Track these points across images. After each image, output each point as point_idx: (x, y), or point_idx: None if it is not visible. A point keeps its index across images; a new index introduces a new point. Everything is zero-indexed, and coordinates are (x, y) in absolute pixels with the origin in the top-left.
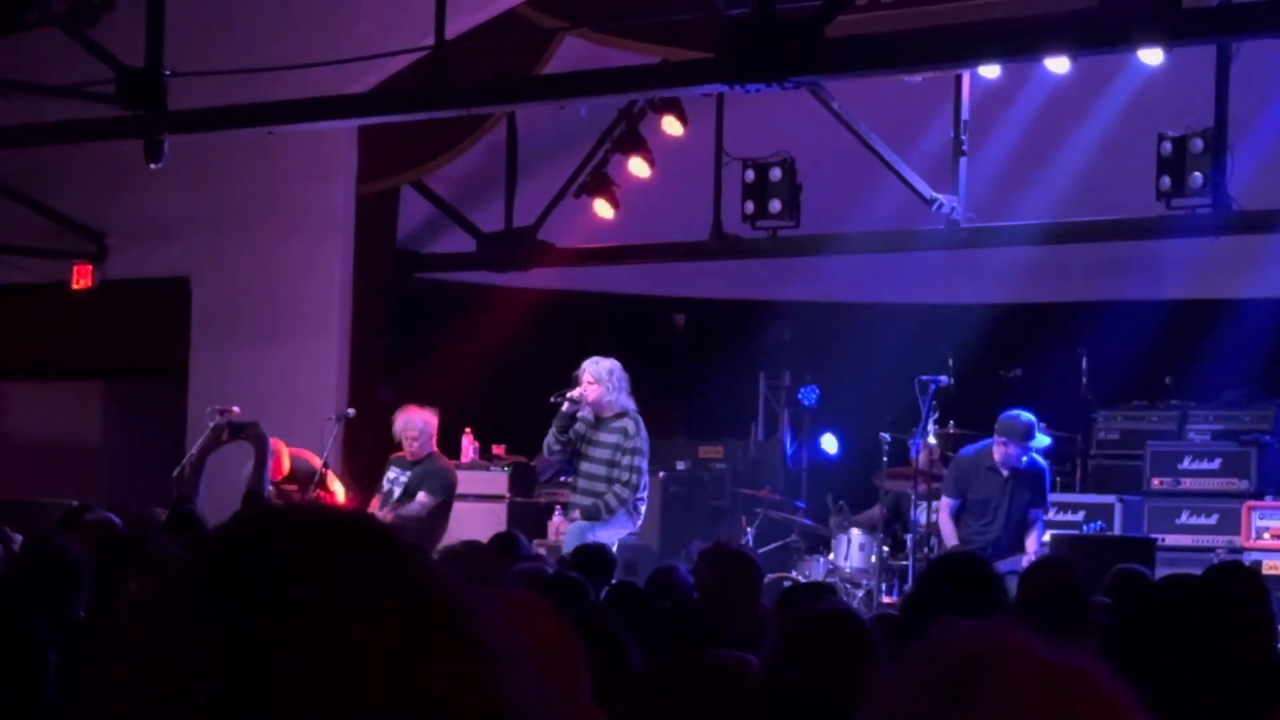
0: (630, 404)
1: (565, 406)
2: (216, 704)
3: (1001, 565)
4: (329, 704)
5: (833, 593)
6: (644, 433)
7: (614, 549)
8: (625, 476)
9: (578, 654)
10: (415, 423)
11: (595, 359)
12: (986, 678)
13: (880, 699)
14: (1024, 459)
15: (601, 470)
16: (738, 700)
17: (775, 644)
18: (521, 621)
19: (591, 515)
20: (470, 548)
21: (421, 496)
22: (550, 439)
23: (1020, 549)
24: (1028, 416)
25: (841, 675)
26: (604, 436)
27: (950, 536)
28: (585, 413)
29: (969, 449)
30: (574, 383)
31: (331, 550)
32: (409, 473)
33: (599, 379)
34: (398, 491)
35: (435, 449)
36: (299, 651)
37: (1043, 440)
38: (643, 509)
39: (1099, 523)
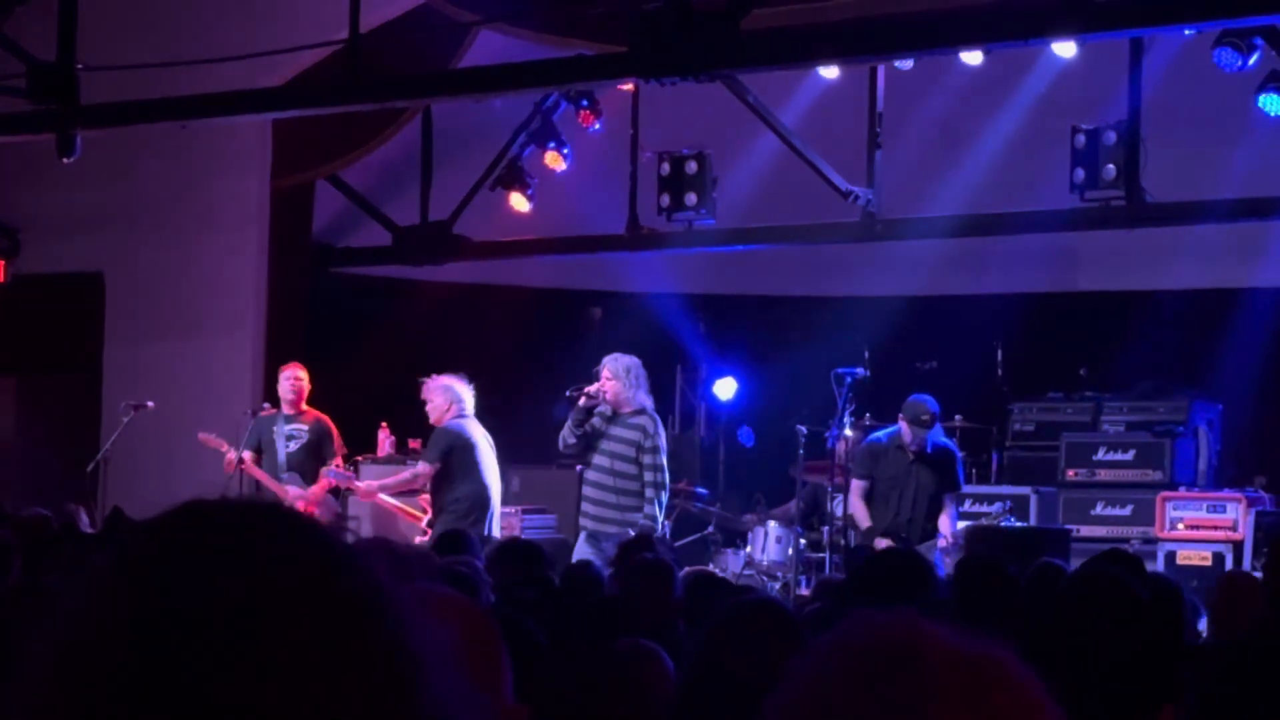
0: (649, 401)
1: (582, 401)
2: (127, 706)
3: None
4: (244, 706)
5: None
6: (662, 430)
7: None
8: (658, 478)
9: (500, 652)
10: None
11: (615, 355)
12: (902, 667)
13: (791, 691)
14: (929, 442)
15: (616, 464)
16: (646, 689)
17: (703, 635)
18: (444, 619)
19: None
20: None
21: (421, 465)
22: (566, 432)
23: (932, 534)
24: (928, 404)
25: (768, 665)
26: (621, 432)
27: (863, 518)
28: (603, 407)
29: (879, 432)
30: (593, 378)
31: (254, 546)
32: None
33: (617, 375)
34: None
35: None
36: (214, 651)
37: (938, 436)
38: (666, 496)
39: (1005, 503)
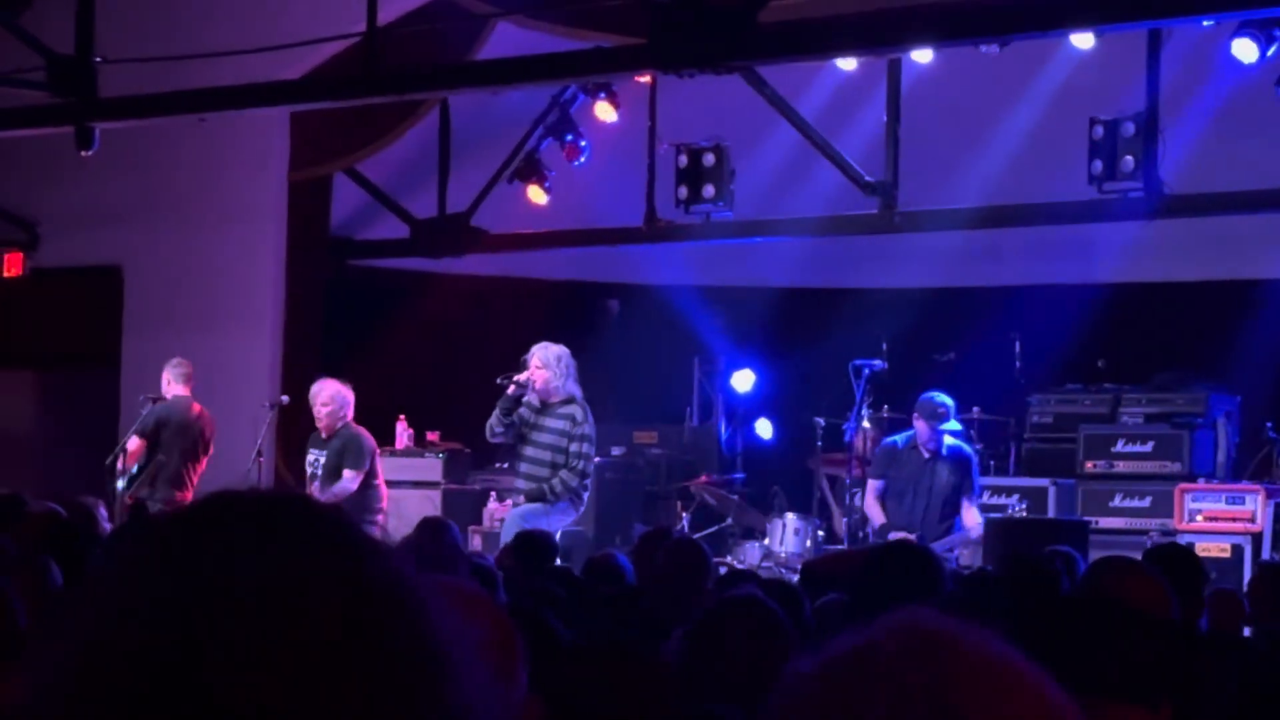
0: (577, 390)
1: (510, 389)
2: (149, 693)
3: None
4: (264, 699)
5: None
6: (591, 419)
7: (556, 537)
8: (576, 464)
9: (515, 645)
10: (324, 392)
11: (545, 344)
12: (922, 664)
13: (803, 688)
14: (943, 441)
15: (546, 455)
16: (653, 687)
17: (686, 632)
18: (465, 616)
19: (536, 498)
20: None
21: (347, 473)
22: (494, 420)
23: (946, 534)
24: (941, 398)
25: (749, 659)
26: (550, 422)
27: (877, 516)
28: (531, 397)
29: (895, 436)
30: (521, 366)
31: (278, 536)
32: (325, 450)
33: (547, 364)
34: (320, 473)
35: (350, 419)
36: (236, 639)
37: (953, 425)
38: (585, 497)
39: (1019, 500)
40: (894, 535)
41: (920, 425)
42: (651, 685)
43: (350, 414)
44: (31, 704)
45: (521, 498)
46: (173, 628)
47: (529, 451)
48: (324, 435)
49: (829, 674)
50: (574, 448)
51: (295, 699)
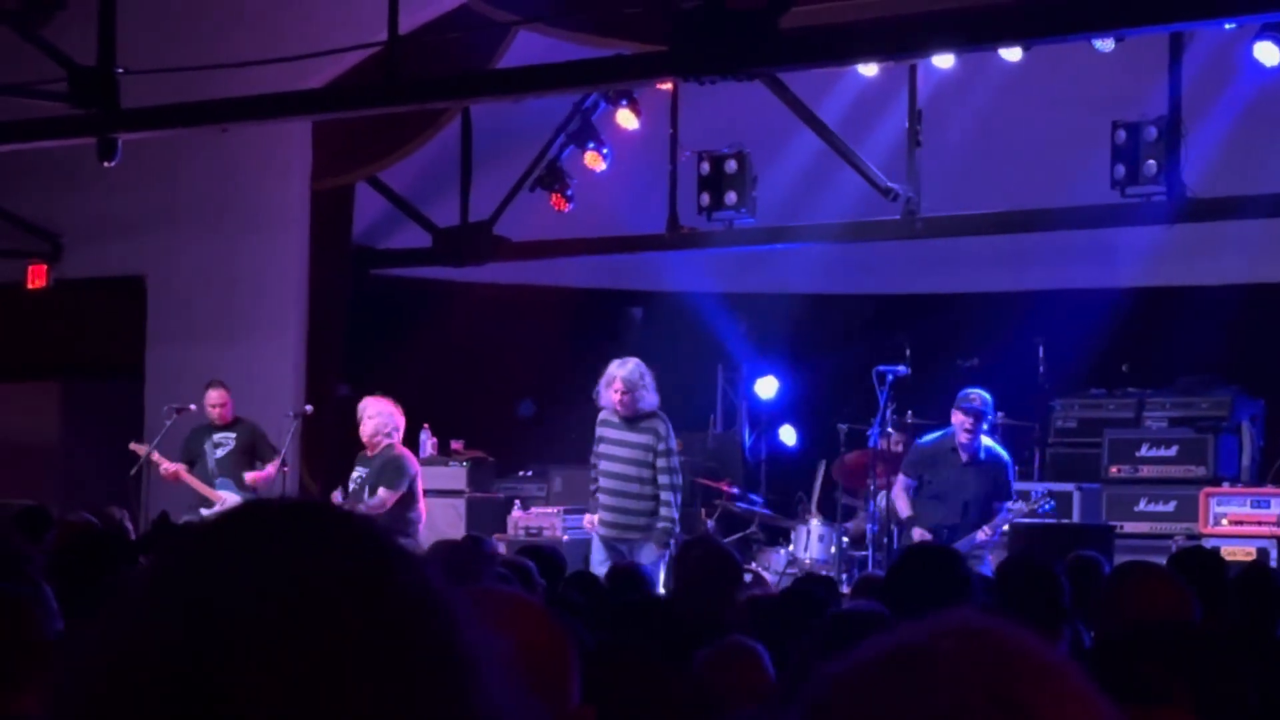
0: (656, 400)
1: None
2: (176, 700)
3: (958, 546)
4: (290, 706)
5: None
6: (672, 430)
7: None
8: (673, 480)
9: (566, 655)
10: (370, 407)
11: (620, 361)
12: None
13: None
14: (981, 444)
15: (632, 471)
16: (675, 692)
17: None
18: (506, 622)
19: (664, 542)
20: (449, 547)
21: (382, 491)
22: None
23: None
24: (979, 392)
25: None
26: (635, 437)
27: (904, 508)
28: (607, 413)
29: (928, 437)
30: (596, 396)
31: (306, 545)
32: (367, 468)
33: (631, 385)
34: (360, 490)
35: (395, 441)
36: (262, 647)
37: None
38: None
39: (1050, 503)
40: (918, 533)
41: (959, 418)
42: (665, 691)
43: (398, 435)
44: (56, 715)
45: (599, 515)
46: (199, 635)
47: (611, 467)
48: (368, 452)
49: (878, 675)
50: (661, 463)
51: (321, 705)
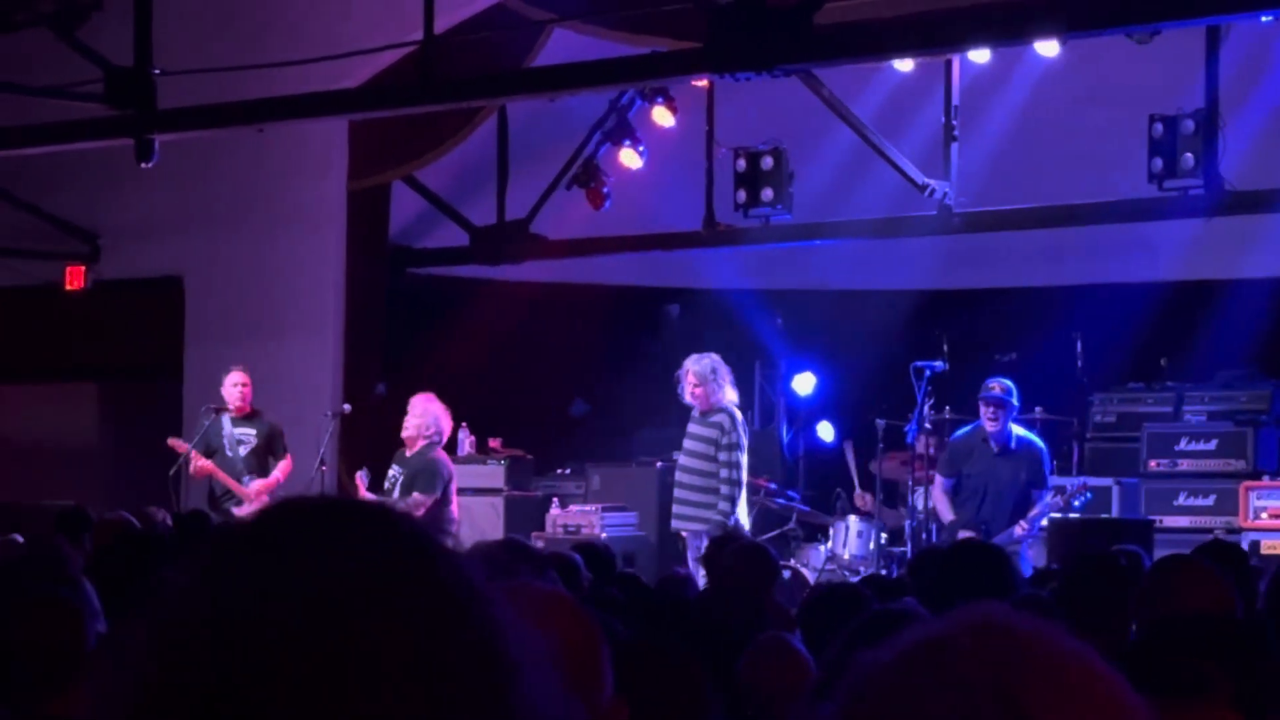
0: (734, 394)
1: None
2: (212, 697)
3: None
4: (334, 707)
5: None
6: (742, 424)
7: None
8: (733, 475)
9: (599, 649)
10: (418, 406)
11: (697, 356)
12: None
13: (870, 681)
14: (1011, 433)
15: (694, 464)
16: (706, 687)
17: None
18: (540, 617)
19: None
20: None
21: (416, 495)
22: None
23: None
24: (1000, 380)
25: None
26: (701, 430)
27: (946, 512)
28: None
29: (959, 432)
30: (681, 393)
31: (344, 542)
32: (404, 468)
33: (703, 379)
34: (395, 489)
35: (435, 444)
36: (299, 645)
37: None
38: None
39: (1087, 495)
40: (963, 534)
41: (982, 408)
42: (696, 687)
43: (442, 438)
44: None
45: (690, 522)
46: (240, 635)
47: (681, 460)
48: (407, 452)
49: (899, 665)
50: (723, 456)
51: (355, 707)
